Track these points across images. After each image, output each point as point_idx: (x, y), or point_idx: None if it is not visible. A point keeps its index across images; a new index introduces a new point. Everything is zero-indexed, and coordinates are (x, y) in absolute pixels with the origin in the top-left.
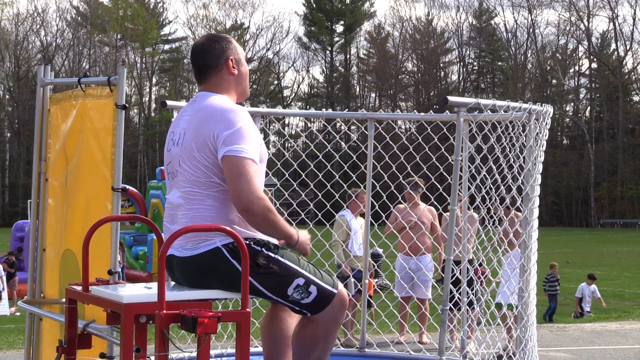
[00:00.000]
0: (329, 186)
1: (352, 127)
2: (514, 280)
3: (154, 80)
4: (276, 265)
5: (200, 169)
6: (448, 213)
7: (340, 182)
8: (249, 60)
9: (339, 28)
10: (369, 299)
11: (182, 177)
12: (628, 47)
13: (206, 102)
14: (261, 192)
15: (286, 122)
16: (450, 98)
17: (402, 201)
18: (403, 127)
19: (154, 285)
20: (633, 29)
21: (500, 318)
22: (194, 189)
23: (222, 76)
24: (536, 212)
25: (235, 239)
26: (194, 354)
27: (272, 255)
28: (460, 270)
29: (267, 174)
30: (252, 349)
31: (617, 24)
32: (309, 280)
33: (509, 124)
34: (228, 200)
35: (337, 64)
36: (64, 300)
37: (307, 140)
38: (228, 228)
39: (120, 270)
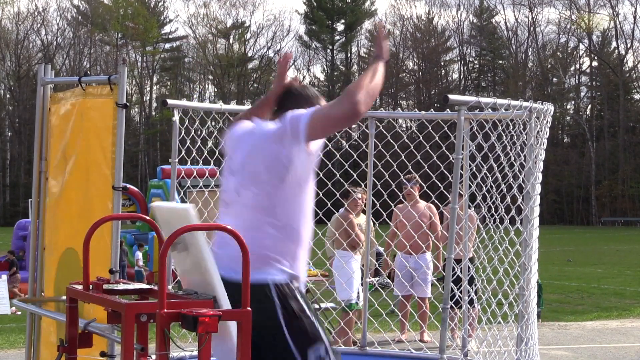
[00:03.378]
0: (329, 185)
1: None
2: (355, 280)
3: (155, 79)
4: (307, 320)
5: (266, 190)
6: (448, 208)
7: (341, 180)
8: (249, 59)
9: (340, 27)
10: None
11: (239, 204)
12: (629, 46)
13: (264, 128)
14: (351, 99)
15: None
16: (451, 96)
17: (402, 200)
18: (404, 125)
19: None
20: (634, 27)
21: (344, 318)
22: (252, 215)
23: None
24: (537, 210)
25: (240, 243)
26: (195, 353)
27: (306, 309)
28: (461, 268)
29: None
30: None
31: (617, 22)
32: (328, 351)
33: (509, 123)
34: (284, 230)
35: (338, 63)
36: (62, 298)
37: None
38: (234, 230)
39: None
